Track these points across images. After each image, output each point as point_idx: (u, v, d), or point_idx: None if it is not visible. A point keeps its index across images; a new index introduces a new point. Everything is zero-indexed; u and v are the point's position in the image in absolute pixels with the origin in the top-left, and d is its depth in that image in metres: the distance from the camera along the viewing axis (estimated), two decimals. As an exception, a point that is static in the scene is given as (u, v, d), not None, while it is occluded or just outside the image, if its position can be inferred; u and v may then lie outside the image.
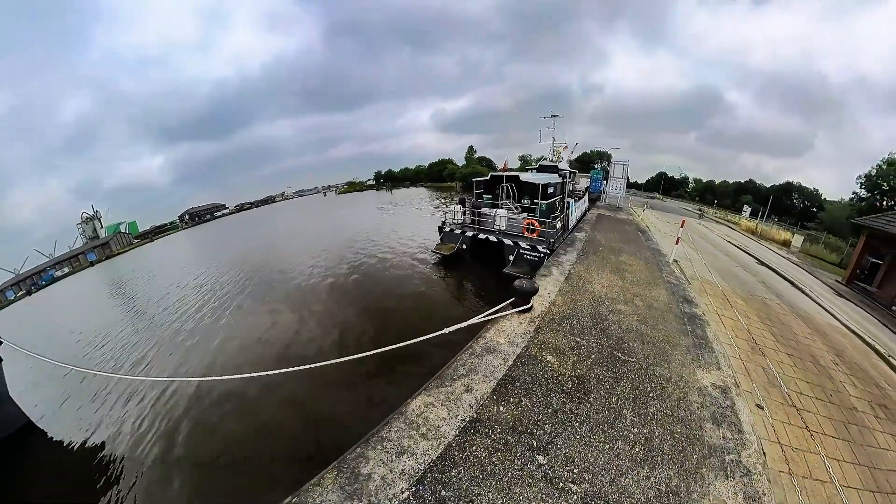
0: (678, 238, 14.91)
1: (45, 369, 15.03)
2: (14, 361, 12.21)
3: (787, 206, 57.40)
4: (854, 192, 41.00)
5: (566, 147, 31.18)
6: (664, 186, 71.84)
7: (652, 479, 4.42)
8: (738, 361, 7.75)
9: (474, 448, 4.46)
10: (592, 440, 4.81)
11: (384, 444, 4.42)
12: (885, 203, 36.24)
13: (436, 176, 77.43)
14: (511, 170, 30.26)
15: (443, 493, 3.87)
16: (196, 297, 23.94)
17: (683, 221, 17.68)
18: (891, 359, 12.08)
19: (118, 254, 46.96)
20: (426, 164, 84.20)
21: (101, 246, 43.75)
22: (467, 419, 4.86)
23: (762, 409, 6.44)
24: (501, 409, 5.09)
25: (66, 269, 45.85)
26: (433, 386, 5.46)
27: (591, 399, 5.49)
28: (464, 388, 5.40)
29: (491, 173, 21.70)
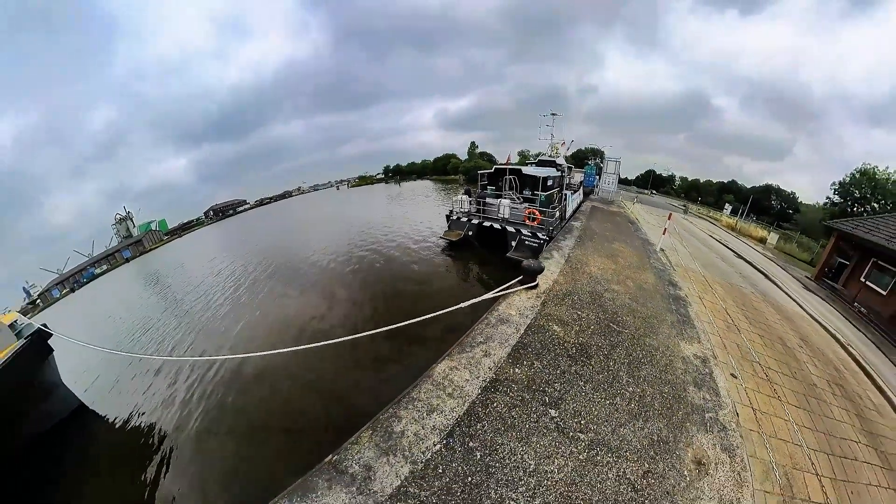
0: (665, 229, 15.20)
1: (93, 357, 15.32)
2: (65, 351, 12.65)
3: (765, 206, 57.34)
4: (828, 198, 41.09)
5: (563, 143, 31.27)
6: (652, 183, 71.76)
7: (645, 430, 4.81)
8: (716, 337, 8.12)
9: (495, 404, 4.82)
10: (595, 397, 5.20)
11: (415, 403, 4.69)
12: (855, 209, 36.29)
13: (440, 169, 77.11)
14: (513, 164, 30.52)
15: (470, 444, 4.20)
16: (226, 283, 24.23)
17: (671, 215, 17.97)
18: (849, 347, 12.47)
19: (150, 250, 46.81)
20: (431, 159, 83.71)
21: (134, 244, 44.01)
22: (487, 380, 5.22)
23: (736, 377, 6.83)
24: (517, 370, 5.46)
25: (105, 267, 46.03)
26: (455, 352, 5.80)
27: (593, 363, 5.87)
28: (483, 353, 5.76)
29: (495, 166, 21.83)
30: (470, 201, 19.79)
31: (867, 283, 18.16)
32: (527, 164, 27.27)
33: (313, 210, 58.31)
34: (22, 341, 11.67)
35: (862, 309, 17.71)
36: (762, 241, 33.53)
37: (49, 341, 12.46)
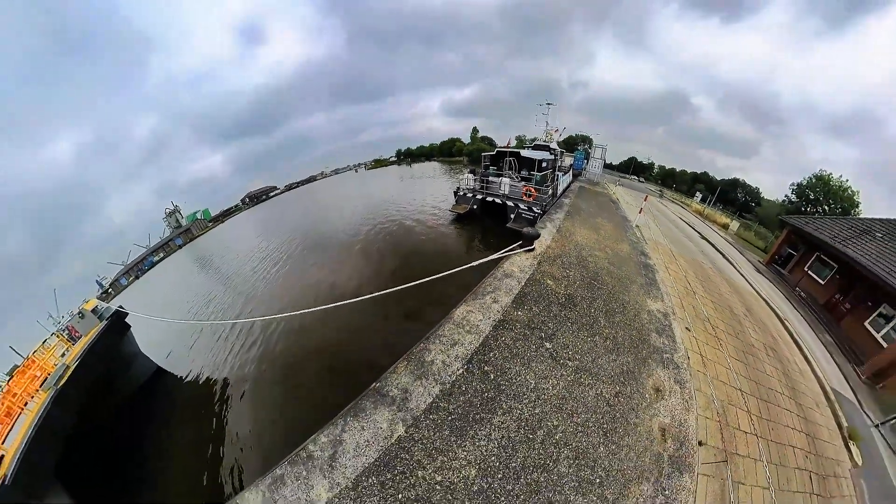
0: (641, 209, 15.55)
1: (164, 328, 16.53)
2: (140, 326, 13.57)
3: (732, 197, 56.79)
4: (786, 196, 40.83)
5: (557, 130, 30.96)
6: (634, 169, 71.06)
7: (618, 361, 5.41)
8: (676, 299, 8.66)
9: (503, 338, 5.39)
10: (579, 335, 5.78)
11: (440, 339, 5.22)
12: (808, 209, 36.27)
13: (447, 152, 75.97)
14: (513, 147, 30.30)
15: (485, 368, 4.78)
16: (268, 257, 24.63)
17: (647, 196, 18.25)
18: (786, 321, 13.09)
19: (198, 236, 47.12)
20: (438, 143, 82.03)
21: (184, 232, 43.97)
22: (497, 320, 5.77)
23: (689, 331, 7.40)
24: (519, 313, 6.01)
25: (161, 255, 45.84)
26: (470, 299, 6.33)
27: (578, 309, 6.43)
28: (492, 300, 6.30)
29: (497, 149, 21.80)
30: (475, 179, 19.98)
31: (809, 272, 18.64)
32: (524, 148, 27.19)
33: (337, 191, 57.83)
34: (104, 322, 12.50)
35: (802, 293, 18.25)
36: (725, 227, 33.73)
37: (126, 320, 13.25)
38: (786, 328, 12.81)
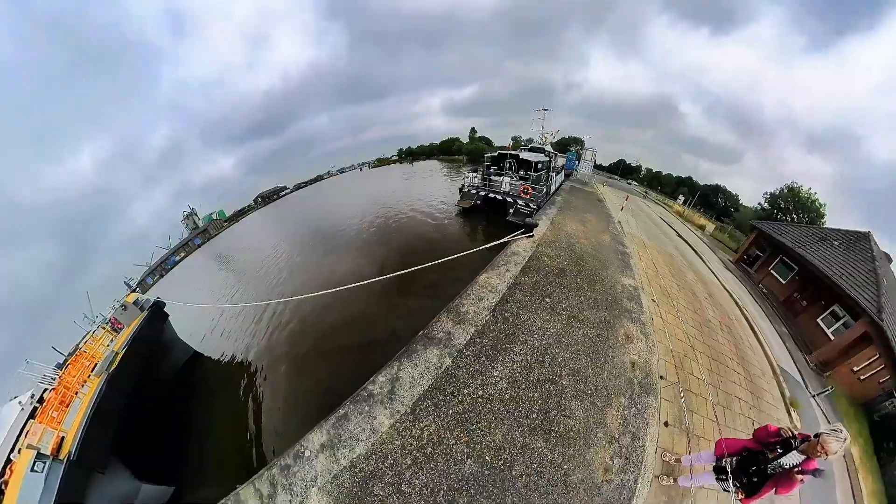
0: (622, 206, 17.39)
1: (198, 316, 17.87)
2: (176, 316, 15.01)
3: (712, 202, 58.85)
4: (759, 203, 42.98)
5: (552, 134, 32.70)
6: (622, 171, 73.18)
7: (598, 315, 7.21)
8: (645, 279, 10.47)
9: (516, 295, 7.16)
10: (570, 295, 7.58)
11: (470, 297, 6.95)
12: (779, 217, 38.21)
13: (446, 151, 77.28)
14: (511, 149, 31.94)
15: (505, 314, 6.54)
16: (283, 250, 26.19)
17: (627, 196, 20.13)
18: (743, 309, 14.89)
19: (215, 235, 48.08)
20: (438, 142, 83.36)
21: (202, 232, 44.63)
22: (510, 283, 7.54)
23: (654, 302, 9.21)
24: (525, 279, 7.80)
25: (182, 254, 46.50)
26: (489, 269, 8.10)
27: (568, 279, 8.24)
28: (505, 270, 8.08)
29: (499, 151, 23.46)
30: (479, 178, 21.69)
31: (773, 272, 20.39)
32: (521, 149, 28.84)
33: (343, 189, 58.55)
34: (145, 313, 13.49)
35: (765, 290, 20.24)
36: (702, 227, 35.82)
37: (164, 310, 14.51)
38: (742, 314, 14.68)
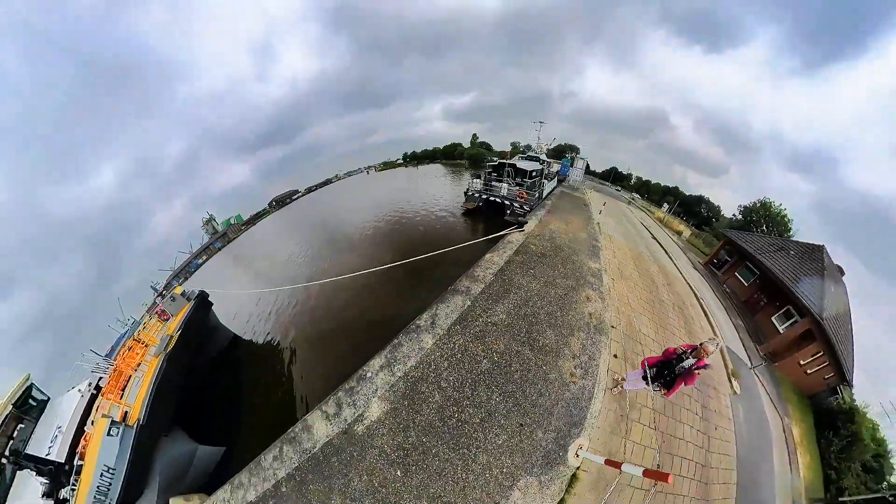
0: (601, 210, 20.27)
1: (235, 306, 20.26)
2: (219, 304, 17.23)
3: (696, 211, 61.41)
4: (734, 214, 45.52)
5: (548, 144, 35.58)
6: (613, 178, 76.15)
7: (566, 282, 10.05)
8: (609, 264, 13.20)
9: (510, 267, 10.03)
10: (546, 270, 10.45)
11: (480, 266, 9.84)
12: (751, 228, 40.17)
13: (449, 155, 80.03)
14: (510, 157, 34.67)
15: (503, 278, 9.41)
16: (302, 244, 29.17)
17: (605, 203, 23.01)
18: (700, 300, 17.43)
19: (234, 239, 49.77)
20: (441, 146, 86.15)
21: (221, 236, 46.39)
22: (506, 259, 10.41)
23: (613, 279, 12.01)
24: (517, 258, 10.69)
25: (204, 258, 48.73)
26: (492, 251, 10.99)
27: (548, 259, 11.13)
28: (503, 251, 10.98)
29: (499, 161, 26.37)
30: (481, 183, 24.61)
31: (737, 275, 22.92)
32: (518, 157, 31.50)
33: (353, 192, 60.18)
34: (192, 302, 14.86)
35: (728, 290, 22.86)
36: (679, 233, 38.87)
37: (209, 299, 16.40)
38: (698, 301, 17.32)
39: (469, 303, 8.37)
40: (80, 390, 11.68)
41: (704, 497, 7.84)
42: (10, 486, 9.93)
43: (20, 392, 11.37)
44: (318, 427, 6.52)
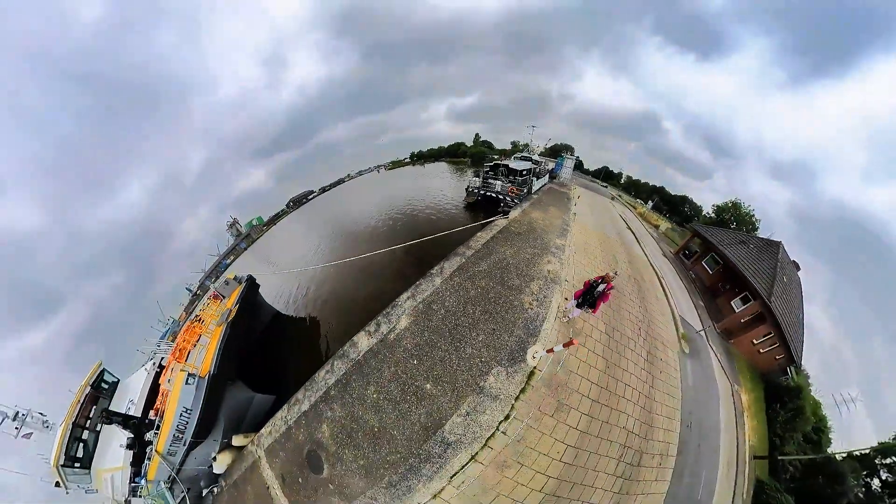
0: (575, 202, 23.75)
1: (275, 290, 23.92)
2: (263, 287, 20.31)
3: (680, 210, 64.03)
4: (706, 213, 48.92)
5: (539, 146, 38.90)
6: (605, 176, 78.92)
7: (534, 250, 13.67)
8: (573, 242, 16.79)
9: (494, 241, 13.71)
10: (521, 244, 14.09)
11: (473, 239, 13.55)
12: (723, 224, 43.53)
13: (453, 153, 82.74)
14: (509, 156, 37.95)
15: (490, 247, 13.11)
16: (321, 237, 32.75)
17: (580, 195, 26.51)
18: (661, 278, 20.74)
19: (257, 239, 51.86)
20: (445, 145, 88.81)
21: (245, 237, 48.93)
22: (493, 237, 14.07)
23: (575, 253, 15.58)
24: (499, 235, 14.34)
25: (232, 258, 50.94)
26: (485, 228, 14.63)
27: (524, 235, 14.74)
28: (490, 231, 14.63)
29: (495, 161, 29.88)
30: (480, 180, 28.12)
31: (704, 264, 26.06)
32: (513, 157, 34.67)
33: (366, 190, 62.23)
34: (243, 284, 16.98)
35: (694, 276, 26.11)
36: (657, 226, 42.06)
37: (256, 282, 19.00)
38: (658, 278, 20.70)
39: (464, 260, 12.09)
40: (146, 369, 13.86)
41: (648, 423, 11.09)
42: (97, 446, 12.07)
43: (94, 375, 13.02)
44: (362, 342, 10.25)
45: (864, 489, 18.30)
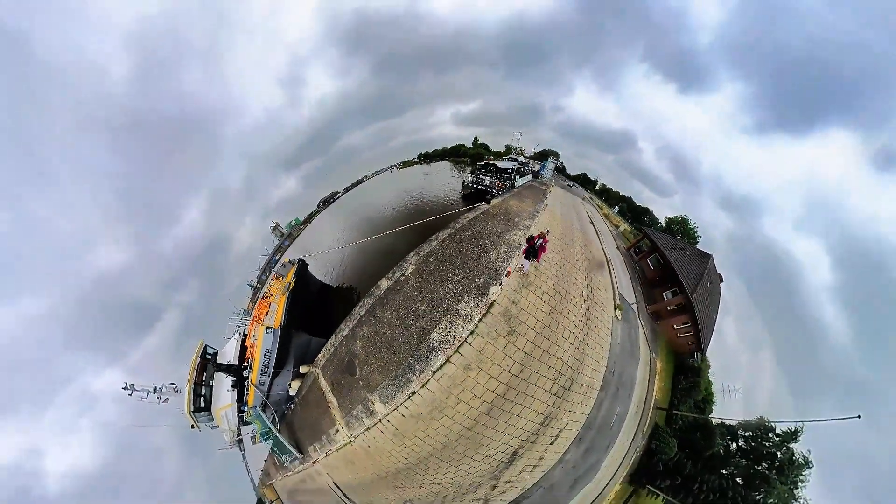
0: (548, 195, 27.37)
1: (320, 265, 27.88)
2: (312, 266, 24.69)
3: (641, 219, 67.80)
4: (659, 223, 53.66)
5: (525, 152, 42.32)
6: (582, 182, 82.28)
7: (507, 227, 17.26)
8: (538, 223, 20.41)
9: (477, 219, 17.32)
10: (497, 222, 17.71)
11: (464, 218, 17.17)
12: (671, 233, 46.62)
13: (455, 154, 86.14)
14: (495, 159, 41.40)
15: (472, 223, 16.74)
16: (348, 229, 36.37)
17: (551, 190, 30.07)
18: (609, 261, 24.27)
19: (297, 237, 54.10)
20: (449, 146, 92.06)
21: (288, 236, 51.58)
22: (475, 216, 17.66)
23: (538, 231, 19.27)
24: (481, 216, 17.92)
25: (279, 255, 50.80)
26: (472, 210, 18.25)
27: (499, 216, 18.31)
28: (476, 213, 18.22)
29: (485, 161, 33.42)
30: (473, 178, 31.67)
31: (648, 260, 29.65)
32: (503, 158, 38.10)
33: (381, 187, 68.04)
34: (296, 265, 21.38)
35: (639, 268, 29.70)
36: (617, 226, 46.05)
37: (306, 262, 23.28)
38: (606, 260, 24.37)
39: (453, 231, 15.83)
40: (235, 339, 18.13)
41: (580, 360, 14.50)
42: (212, 395, 16.14)
43: (201, 349, 17.12)
44: (383, 283, 13.96)
45: (724, 447, 23.88)
